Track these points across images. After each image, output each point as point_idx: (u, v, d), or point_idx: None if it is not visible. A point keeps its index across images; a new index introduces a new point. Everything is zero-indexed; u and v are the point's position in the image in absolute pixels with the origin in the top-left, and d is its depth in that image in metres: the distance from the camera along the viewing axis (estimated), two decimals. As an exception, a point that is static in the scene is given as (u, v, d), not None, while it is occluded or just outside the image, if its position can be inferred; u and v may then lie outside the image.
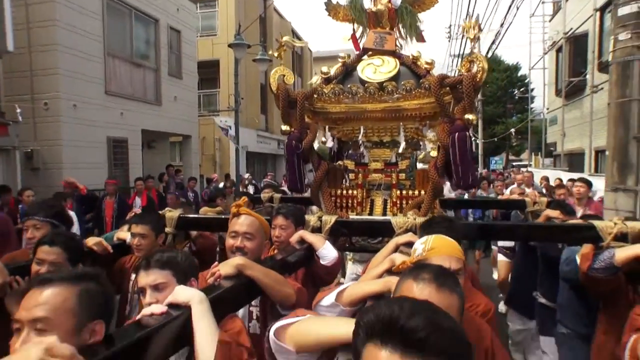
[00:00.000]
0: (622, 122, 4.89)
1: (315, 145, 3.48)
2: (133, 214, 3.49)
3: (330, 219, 2.86)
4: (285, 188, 7.04)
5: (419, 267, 1.26)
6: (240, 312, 2.04)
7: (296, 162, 3.24)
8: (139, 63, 11.25)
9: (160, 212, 3.03)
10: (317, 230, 2.79)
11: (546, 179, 9.67)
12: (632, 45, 4.73)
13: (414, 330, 0.71)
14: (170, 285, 1.51)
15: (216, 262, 1.85)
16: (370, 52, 3.52)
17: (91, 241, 2.53)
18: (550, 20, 16.42)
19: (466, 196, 7.22)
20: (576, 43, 12.92)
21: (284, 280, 1.92)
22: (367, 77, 3.33)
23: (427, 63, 3.35)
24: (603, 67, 10.54)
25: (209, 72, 16.54)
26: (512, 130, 21.47)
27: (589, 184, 5.39)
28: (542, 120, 18.22)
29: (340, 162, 3.89)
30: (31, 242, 2.29)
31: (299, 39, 23.51)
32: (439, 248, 1.57)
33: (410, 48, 3.67)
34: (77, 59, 9.16)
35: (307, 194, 5.44)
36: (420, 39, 3.69)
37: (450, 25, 22.46)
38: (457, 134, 2.84)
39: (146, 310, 1.33)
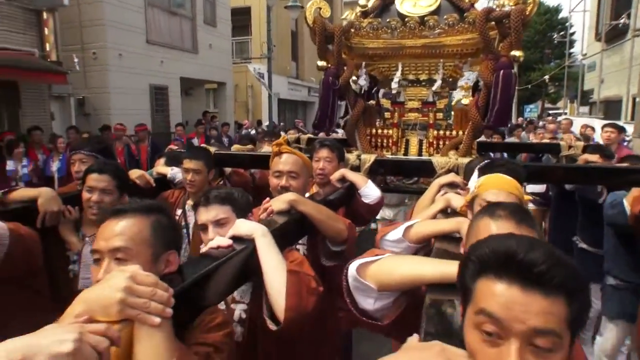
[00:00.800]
0: None
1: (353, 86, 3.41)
2: (169, 148, 3.57)
3: (369, 158, 2.83)
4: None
5: (492, 205, 1.23)
6: None
7: (331, 99, 3.14)
8: (176, 12, 11.59)
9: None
10: (355, 168, 2.76)
11: (586, 126, 9.06)
12: None
13: (533, 263, 0.70)
14: (231, 221, 1.49)
15: (267, 198, 1.85)
16: None
17: (134, 174, 2.55)
18: None
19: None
20: (620, -17, 12.28)
21: (336, 215, 1.89)
22: (407, 10, 3.17)
23: None
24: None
25: (240, 19, 16.63)
26: (546, 77, 20.68)
27: (619, 129, 5.22)
28: (580, 67, 17.54)
29: (372, 101, 3.78)
30: (78, 175, 2.33)
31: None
32: (488, 183, 1.52)
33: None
34: (120, 10, 9.62)
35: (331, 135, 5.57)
36: None
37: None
38: (502, 71, 2.71)
39: (212, 243, 1.32)
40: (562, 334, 0.70)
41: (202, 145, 3.28)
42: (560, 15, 28.06)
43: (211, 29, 12.99)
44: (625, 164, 2.86)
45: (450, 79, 3.47)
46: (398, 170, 3.04)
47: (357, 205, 2.37)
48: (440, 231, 1.50)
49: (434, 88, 3.34)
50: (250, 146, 4.05)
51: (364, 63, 3.35)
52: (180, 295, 0.97)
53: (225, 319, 1.19)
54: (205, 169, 2.57)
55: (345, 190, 2.36)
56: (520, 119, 19.53)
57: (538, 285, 0.69)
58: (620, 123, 8.28)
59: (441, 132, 3.32)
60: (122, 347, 0.83)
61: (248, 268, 1.35)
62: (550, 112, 28.70)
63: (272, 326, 1.34)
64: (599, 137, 6.85)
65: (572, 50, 21.68)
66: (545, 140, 5.50)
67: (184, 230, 2.55)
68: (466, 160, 2.62)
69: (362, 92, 3.58)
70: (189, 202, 2.58)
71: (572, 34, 21.73)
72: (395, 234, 1.56)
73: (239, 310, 1.55)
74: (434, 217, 1.77)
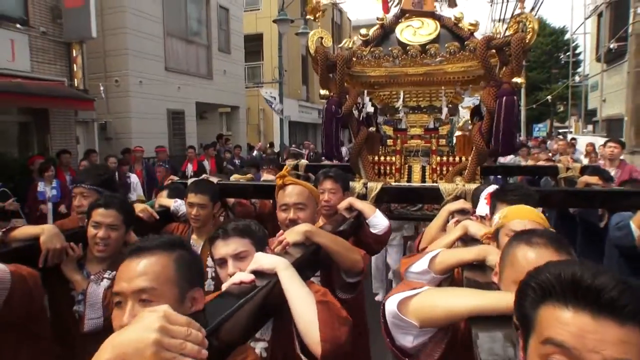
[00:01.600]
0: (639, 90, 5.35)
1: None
2: (170, 181, 3.44)
3: (376, 186, 2.80)
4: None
5: (525, 232, 1.21)
6: None
7: (334, 127, 3.16)
8: (192, 40, 12.26)
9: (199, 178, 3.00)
10: (362, 197, 2.74)
11: (591, 145, 8.99)
12: None
13: (603, 289, 0.66)
14: (251, 254, 1.43)
15: (281, 231, 1.80)
16: (407, 14, 3.41)
17: (137, 208, 2.46)
18: None
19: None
20: (617, 8, 12.71)
21: (351, 246, 1.86)
22: (407, 39, 3.20)
23: (470, 24, 3.26)
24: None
25: (253, 45, 17.36)
26: (549, 97, 21.04)
27: (622, 145, 5.26)
28: (583, 86, 17.92)
29: (372, 128, 3.81)
30: (79, 210, 2.26)
31: (340, 10, 23.76)
32: (512, 214, 1.52)
33: (443, 13, 3.56)
34: (141, 40, 10.27)
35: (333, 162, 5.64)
36: (452, 3, 3.60)
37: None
38: (504, 97, 2.76)
39: (234, 279, 1.27)
40: None
41: (205, 176, 3.23)
42: (567, 36, 28.53)
43: (226, 56, 13.66)
44: (626, 187, 2.87)
45: (450, 105, 3.54)
46: (405, 197, 3.02)
47: (365, 236, 2.29)
48: (466, 260, 1.47)
49: (442, 116, 3.40)
50: (249, 175, 4.00)
51: (365, 91, 3.42)
52: (210, 335, 0.92)
53: (256, 357, 1.16)
54: (210, 203, 2.53)
55: (354, 220, 2.30)
56: (523, 138, 19.72)
57: (610, 312, 0.66)
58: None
59: (444, 158, 3.34)
60: None
61: (272, 304, 1.31)
62: (560, 130, 28.88)
63: None
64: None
65: (578, 70, 22.00)
66: (541, 163, 5.56)
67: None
68: (473, 186, 2.63)
69: (362, 119, 3.59)
70: (194, 237, 2.57)
71: (579, 54, 22.08)
72: (420, 265, 1.52)
73: (259, 348, 1.50)
74: (452, 245, 1.75)
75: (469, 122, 3.88)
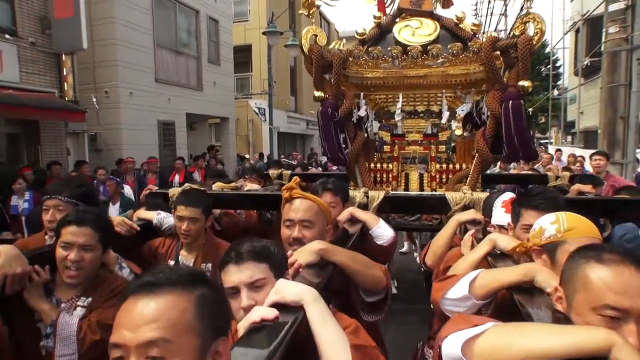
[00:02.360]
0: (611, 104, 5.70)
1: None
2: (148, 191, 3.15)
3: (378, 195, 2.63)
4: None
5: (589, 248, 1.06)
6: None
7: (334, 131, 2.95)
8: (182, 52, 12.33)
9: (180, 189, 2.76)
10: (363, 207, 2.55)
11: (574, 155, 9.65)
12: (619, 38, 5.49)
13: None
14: (269, 282, 1.20)
15: (290, 252, 1.55)
16: (404, 14, 3.26)
17: (114, 221, 2.11)
18: (571, 1, 16.69)
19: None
20: (593, 25, 13.23)
21: (372, 262, 1.64)
22: (405, 39, 3.06)
23: (473, 25, 3.13)
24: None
25: (241, 56, 17.48)
26: (530, 109, 21.73)
27: (607, 157, 5.33)
28: (562, 99, 18.60)
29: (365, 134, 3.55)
30: (51, 225, 1.95)
31: (327, 21, 24.12)
32: (579, 229, 1.31)
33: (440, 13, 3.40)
34: (131, 51, 10.30)
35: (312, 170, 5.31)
36: (447, 3, 3.45)
37: (477, 2, 22.48)
38: (510, 102, 2.64)
39: (254, 316, 1.04)
40: None
41: (187, 185, 2.92)
42: (547, 50, 29.42)
43: (215, 67, 13.75)
44: (625, 195, 2.79)
45: (449, 110, 3.34)
46: (409, 207, 2.84)
47: (370, 248, 2.09)
48: (510, 282, 1.31)
49: (443, 121, 3.25)
50: (234, 184, 3.74)
51: (362, 94, 3.21)
52: None
53: None
54: (202, 216, 2.30)
55: (359, 233, 2.13)
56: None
57: None
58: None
59: (443, 165, 3.22)
60: None
61: (299, 345, 1.05)
62: (542, 141, 29.58)
63: None
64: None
65: (559, 83, 22.69)
66: (525, 172, 5.61)
67: None
68: (482, 194, 2.49)
69: (355, 123, 3.31)
70: (183, 253, 2.33)
71: (559, 67, 22.82)
72: (458, 290, 1.35)
73: None
74: (480, 262, 1.60)
75: (457, 133, 3.86)
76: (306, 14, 3.11)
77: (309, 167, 10.00)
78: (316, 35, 2.96)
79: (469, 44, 2.93)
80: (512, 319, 1.09)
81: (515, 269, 1.36)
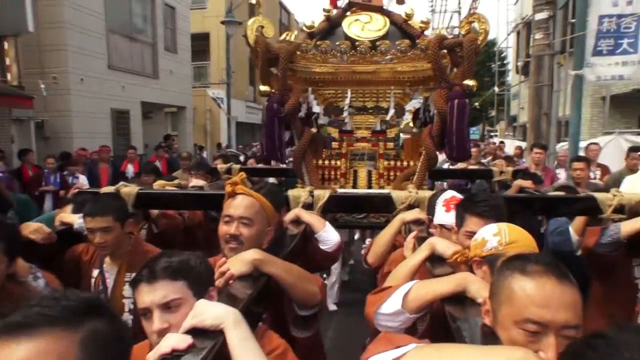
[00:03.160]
0: (537, 102, 6.25)
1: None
2: (76, 189, 2.88)
3: (323, 194, 2.48)
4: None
5: (515, 259, 1.04)
6: None
7: (277, 127, 2.90)
8: (137, 38, 11.99)
9: (113, 187, 2.54)
10: (308, 207, 2.41)
11: (520, 148, 10.14)
12: (543, 44, 6.06)
13: None
14: (187, 302, 1.11)
15: (223, 258, 1.50)
16: (354, 8, 3.24)
17: (28, 228, 1.95)
18: (515, 4, 18.05)
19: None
20: (530, 29, 14.21)
21: (307, 275, 1.57)
22: (354, 34, 3.04)
23: (422, 22, 3.13)
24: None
25: (199, 44, 17.16)
26: (476, 104, 22.93)
27: (546, 149, 5.64)
28: (505, 95, 19.84)
29: (313, 129, 3.43)
30: None
31: (287, 11, 24.01)
32: (520, 242, 1.32)
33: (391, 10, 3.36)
34: (81, 35, 9.94)
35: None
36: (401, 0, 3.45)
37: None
38: (456, 100, 2.67)
39: (163, 347, 0.92)
40: None
41: (122, 183, 2.61)
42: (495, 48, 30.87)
43: (172, 55, 13.48)
44: (562, 193, 2.91)
45: (397, 107, 3.35)
46: (355, 206, 2.76)
47: (313, 252, 2.02)
48: (444, 294, 1.27)
49: (387, 117, 3.24)
50: (177, 181, 3.50)
51: (310, 89, 3.16)
52: None
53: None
54: (117, 224, 2.04)
55: (301, 236, 2.03)
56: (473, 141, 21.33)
57: None
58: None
59: (391, 162, 3.21)
60: None
61: None
62: (491, 134, 31.06)
63: None
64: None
65: (508, 79, 23.90)
66: (472, 167, 5.79)
67: (102, 297, 2.03)
68: (427, 193, 2.44)
69: (302, 119, 3.21)
70: (107, 261, 2.14)
71: (507, 64, 24.01)
72: (391, 305, 1.30)
73: None
74: (418, 267, 1.57)
75: (411, 125, 3.86)
76: (253, 1, 3.05)
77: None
78: (262, 27, 2.87)
79: (417, 41, 2.94)
80: (447, 333, 1.13)
81: (448, 279, 1.34)
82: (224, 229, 1.64)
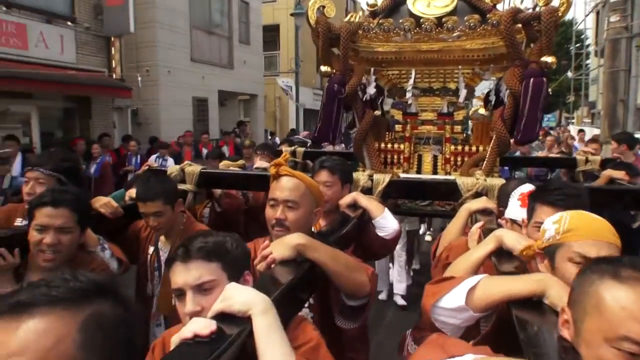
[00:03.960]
0: (612, 87, 6.17)
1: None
2: (147, 166, 2.97)
3: (383, 178, 2.37)
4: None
5: (605, 262, 0.88)
6: None
7: (336, 108, 2.80)
8: (215, 32, 13.08)
9: (178, 167, 2.57)
10: (367, 191, 2.32)
11: (582, 131, 9.68)
12: (620, 26, 5.92)
13: None
14: (220, 284, 1.07)
15: (266, 241, 1.47)
16: None
17: (99, 202, 2.03)
18: None
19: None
20: (611, 6, 13.29)
21: (356, 263, 1.48)
22: (420, 11, 2.88)
23: None
24: None
25: (270, 35, 18.07)
26: (549, 90, 21.72)
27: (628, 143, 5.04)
28: (583, 79, 18.57)
29: (377, 112, 3.36)
30: (29, 198, 1.87)
31: (354, 1, 24.24)
32: (580, 230, 1.13)
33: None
34: (170, 32, 11.13)
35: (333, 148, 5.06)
36: None
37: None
38: (532, 79, 2.45)
39: (186, 331, 0.86)
40: None
41: (175, 167, 2.62)
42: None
43: (245, 47, 14.47)
44: None
45: (467, 88, 3.12)
46: (416, 193, 2.61)
47: (369, 239, 1.96)
48: (519, 293, 1.11)
49: (460, 100, 3.03)
50: (241, 161, 3.48)
51: (372, 69, 3.03)
52: None
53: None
54: (167, 207, 2.05)
55: (358, 221, 1.94)
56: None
57: None
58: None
59: (459, 147, 3.02)
60: None
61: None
62: (570, 121, 29.22)
63: None
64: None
65: (588, 62, 22.40)
66: (554, 155, 5.46)
67: (156, 273, 2.10)
68: (497, 181, 2.21)
69: (366, 100, 3.13)
70: (162, 239, 2.19)
71: (588, 46, 22.47)
72: (453, 299, 1.17)
73: None
74: (482, 262, 1.40)
75: (481, 111, 3.62)
76: None
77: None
78: (323, 7, 2.80)
79: (488, 15, 2.74)
80: (512, 342, 0.97)
81: (525, 278, 1.16)
82: (269, 212, 1.57)
